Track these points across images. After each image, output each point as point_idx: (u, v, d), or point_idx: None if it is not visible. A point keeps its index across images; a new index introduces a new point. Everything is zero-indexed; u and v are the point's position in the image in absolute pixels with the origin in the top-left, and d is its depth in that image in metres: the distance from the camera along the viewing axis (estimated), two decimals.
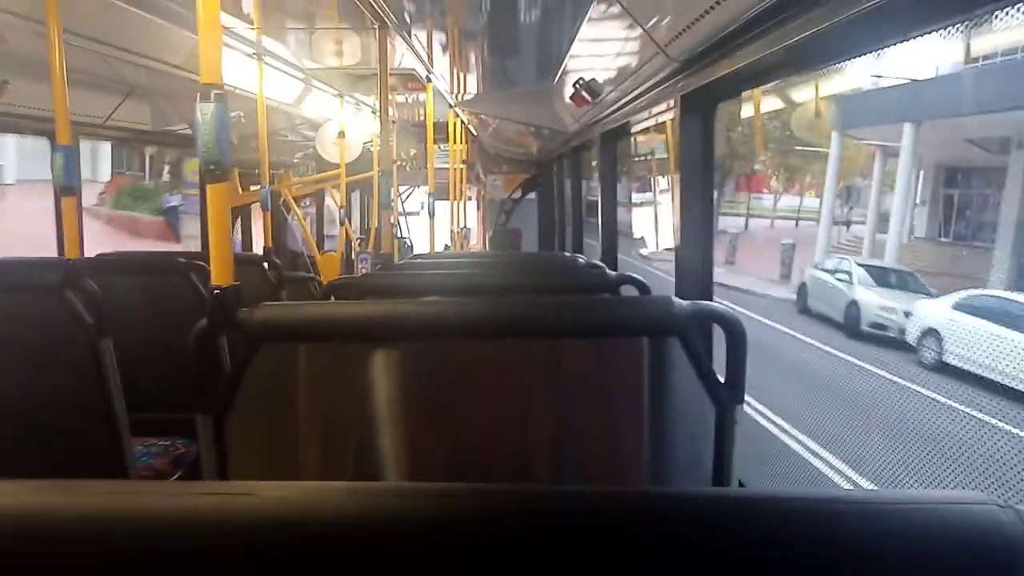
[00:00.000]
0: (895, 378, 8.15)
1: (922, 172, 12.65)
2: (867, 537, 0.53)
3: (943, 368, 7.75)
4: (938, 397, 7.23)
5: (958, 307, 7.97)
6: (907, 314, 9.03)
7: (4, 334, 2.10)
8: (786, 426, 7.24)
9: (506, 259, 4.40)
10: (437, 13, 3.63)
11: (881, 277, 10.70)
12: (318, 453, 1.44)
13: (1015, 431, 5.91)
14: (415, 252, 8.49)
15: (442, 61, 4.67)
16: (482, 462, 1.41)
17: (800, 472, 6.32)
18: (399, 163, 8.61)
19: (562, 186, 7.63)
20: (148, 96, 4.31)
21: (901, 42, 1.53)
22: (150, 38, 3.27)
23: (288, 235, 8.04)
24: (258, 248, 6.61)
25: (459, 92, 6.10)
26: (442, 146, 8.26)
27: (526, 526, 0.53)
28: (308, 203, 8.68)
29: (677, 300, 1.38)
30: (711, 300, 2.25)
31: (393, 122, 4.02)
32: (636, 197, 19.05)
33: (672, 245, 2.52)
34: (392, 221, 4.90)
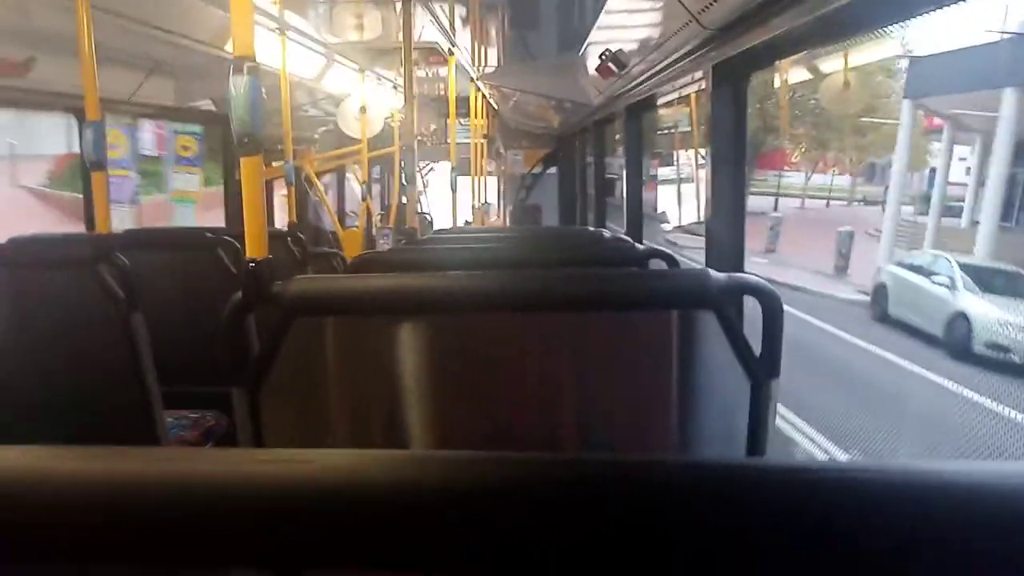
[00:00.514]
0: None
1: (976, 147, 11.35)
2: (920, 511, 0.51)
3: None
4: None
5: None
6: None
7: (37, 309, 2.14)
8: None
9: (530, 234, 4.39)
10: None
11: (986, 280, 8.38)
12: (349, 425, 1.46)
13: None
14: (436, 227, 8.49)
15: (464, 34, 4.63)
16: (510, 435, 1.42)
17: None
18: (419, 138, 8.60)
19: (584, 161, 7.57)
20: (173, 72, 4.32)
21: (937, 8, 1.49)
22: (177, 13, 3.27)
23: (310, 210, 8.07)
24: (279, 223, 6.64)
25: (480, 65, 6.06)
26: (462, 121, 8.24)
27: (571, 495, 0.53)
28: (327, 179, 8.70)
29: (712, 272, 1.36)
30: (743, 272, 2.22)
31: (415, 97, 4.00)
32: (661, 172, 18.59)
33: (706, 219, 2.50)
34: (415, 196, 4.90)
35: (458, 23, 4.31)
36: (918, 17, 1.60)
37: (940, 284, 8.68)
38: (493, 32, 4.71)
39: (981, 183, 10.89)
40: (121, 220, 8.06)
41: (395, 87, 6.74)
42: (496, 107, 9.36)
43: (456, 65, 5.10)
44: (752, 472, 0.56)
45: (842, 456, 5.66)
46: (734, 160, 2.41)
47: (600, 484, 0.54)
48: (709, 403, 1.43)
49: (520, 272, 1.52)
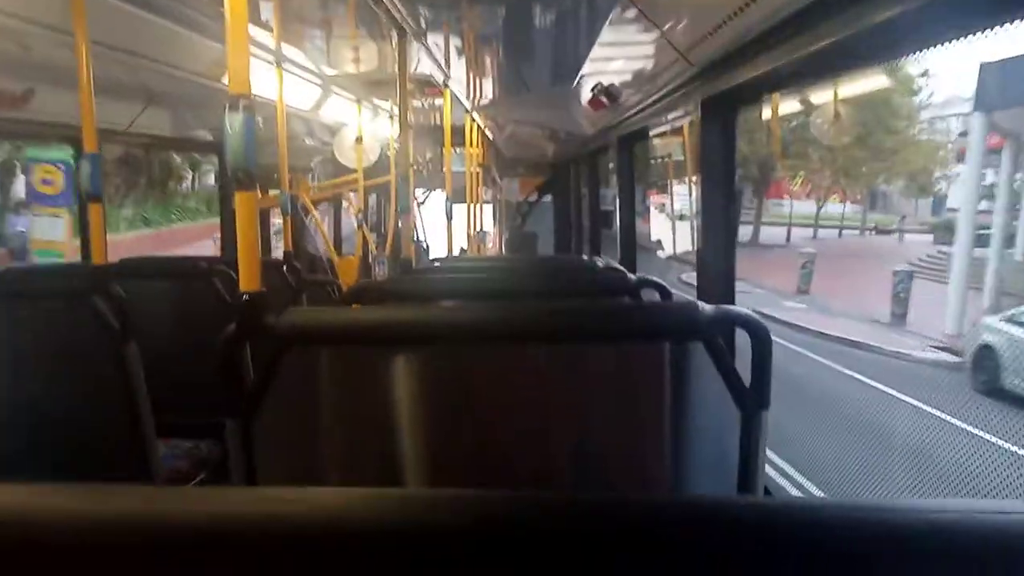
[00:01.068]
0: None
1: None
2: (902, 549, 0.53)
3: None
4: None
5: None
6: None
7: (32, 339, 2.14)
8: None
9: (525, 263, 4.41)
10: (454, 19, 3.64)
11: None
12: (342, 457, 1.46)
13: None
14: (431, 256, 8.50)
15: (459, 66, 4.69)
16: (504, 467, 1.42)
17: None
18: (415, 167, 8.64)
19: (578, 189, 7.62)
20: (170, 103, 4.35)
21: (921, 51, 1.52)
22: (174, 47, 3.31)
23: (306, 238, 8.09)
24: (275, 252, 6.65)
25: (476, 97, 6.12)
26: (458, 149, 8.29)
27: (558, 533, 0.54)
28: (324, 206, 8.72)
29: (701, 304, 1.38)
30: (733, 304, 2.24)
31: (410, 127, 4.04)
32: (655, 200, 18.57)
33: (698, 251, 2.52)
34: (411, 225, 4.92)
35: (454, 55, 4.36)
36: (902, 58, 1.64)
37: None
38: (489, 64, 4.76)
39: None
40: None
41: (391, 116, 6.80)
42: (491, 136, 9.43)
43: (452, 96, 5.16)
44: (751, 509, 0.57)
45: None
46: (724, 192, 2.44)
47: (594, 522, 0.55)
48: (701, 434, 1.44)
49: (513, 304, 1.53)
